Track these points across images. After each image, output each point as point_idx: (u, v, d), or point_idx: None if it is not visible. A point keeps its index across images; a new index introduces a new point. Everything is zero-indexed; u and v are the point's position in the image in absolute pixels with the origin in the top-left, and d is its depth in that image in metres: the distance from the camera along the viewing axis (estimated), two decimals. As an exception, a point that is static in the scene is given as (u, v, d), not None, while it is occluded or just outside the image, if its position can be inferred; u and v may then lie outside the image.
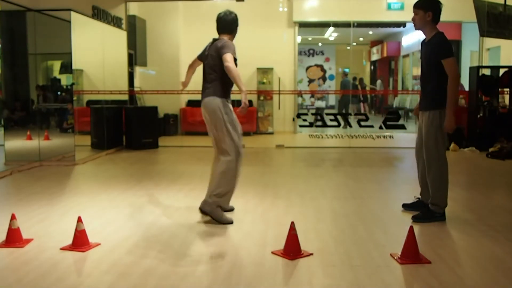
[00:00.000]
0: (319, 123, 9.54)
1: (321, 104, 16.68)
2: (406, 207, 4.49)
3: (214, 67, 4.15)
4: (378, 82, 18.75)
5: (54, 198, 5.01)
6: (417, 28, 4.16)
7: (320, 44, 19.88)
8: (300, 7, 12.27)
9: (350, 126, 9.66)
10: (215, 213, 4.05)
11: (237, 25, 4.30)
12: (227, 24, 4.25)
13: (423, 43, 4.23)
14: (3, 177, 6.09)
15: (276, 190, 5.44)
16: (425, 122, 4.14)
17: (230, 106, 4.17)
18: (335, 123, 9.37)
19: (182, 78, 4.69)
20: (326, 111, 15.00)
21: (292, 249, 3.28)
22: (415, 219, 4.14)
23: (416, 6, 4.12)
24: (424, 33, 4.18)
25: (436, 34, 4.06)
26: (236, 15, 4.32)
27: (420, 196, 4.43)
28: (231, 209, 4.40)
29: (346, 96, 13.93)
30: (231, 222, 4.06)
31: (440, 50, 4.00)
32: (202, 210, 4.11)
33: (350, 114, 10.68)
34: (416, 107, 4.63)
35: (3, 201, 5.01)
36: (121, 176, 6.47)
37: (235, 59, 4.05)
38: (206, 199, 4.10)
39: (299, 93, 15.43)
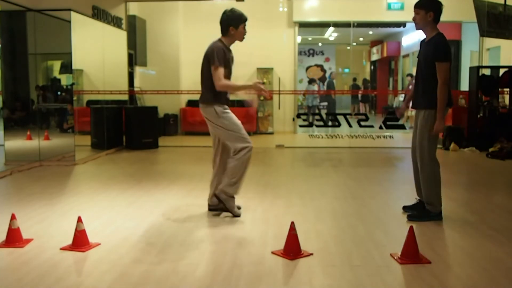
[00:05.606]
0: (319, 122, 9.52)
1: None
2: (407, 209, 4.45)
3: (203, 71, 4.13)
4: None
5: (54, 198, 5.01)
6: (418, 28, 4.15)
7: (320, 44, 19.88)
8: (300, 7, 12.27)
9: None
10: (229, 203, 4.17)
11: (228, 25, 4.06)
12: (220, 25, 4.16)
13: (423, 42, 4.23)
14: (3, 177, 6.09)
15: (276, 190, 5.44)
16: (419, 121, 4.14)
17: (225, 107, 4.14)
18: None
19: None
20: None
21: (292, 249, 3.28)
22: (410, 218, 4.14)
23: (417, 6, 4.10)
24: (425, 33, 4.17)
25: (437, 34, 4.06)
26: (227, 14, 4.08)
27: (419, 197, 4.41)
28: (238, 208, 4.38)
29: (327, 96, 14.59)
30: (239, 215, 4.21)
31: (438, 51, 3.99)
32: (212, 204, 4.27)
33: (350, 114, 10.66)
34: (402, 107, 4.72)
35: (3, 201, 5.01)
36: (121, 176, 6.47)
37: (227, 62, 4.01)
38: (217, 193, 4.15)
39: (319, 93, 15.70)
